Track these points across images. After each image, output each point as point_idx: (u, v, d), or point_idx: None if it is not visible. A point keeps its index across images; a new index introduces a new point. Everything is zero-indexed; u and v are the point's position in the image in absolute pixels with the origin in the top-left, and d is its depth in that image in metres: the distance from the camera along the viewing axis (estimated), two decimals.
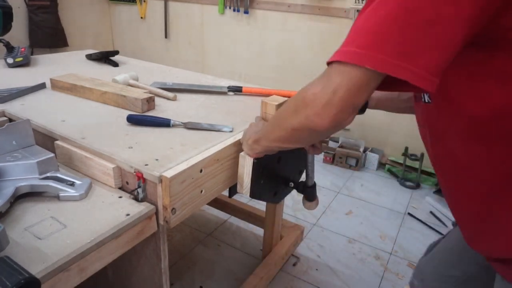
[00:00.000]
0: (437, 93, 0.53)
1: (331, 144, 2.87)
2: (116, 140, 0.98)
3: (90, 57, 1.88)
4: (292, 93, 1.37)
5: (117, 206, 0.82)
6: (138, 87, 1.35)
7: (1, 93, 1.24)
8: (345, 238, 1.98)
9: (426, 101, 0.67)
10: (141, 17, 3.56)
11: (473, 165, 0.65)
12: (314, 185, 1.10)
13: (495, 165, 0.62)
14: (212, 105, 1.31)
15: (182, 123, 1.08)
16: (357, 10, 2.46)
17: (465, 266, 0.93)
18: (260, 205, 1.99)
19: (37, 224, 0.74)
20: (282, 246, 1.71)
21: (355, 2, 2.43)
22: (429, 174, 2.57)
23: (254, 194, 0.98)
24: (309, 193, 1.10)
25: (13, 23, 1.63)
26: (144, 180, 0.85)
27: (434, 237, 2.03)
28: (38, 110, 1.17)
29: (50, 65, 1.74)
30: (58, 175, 0.87)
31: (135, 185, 0.87)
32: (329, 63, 0.56)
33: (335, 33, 2.64)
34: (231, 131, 1.07)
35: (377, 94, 0.99)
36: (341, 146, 2.82)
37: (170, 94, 1.30)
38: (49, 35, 3.10)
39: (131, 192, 0.89)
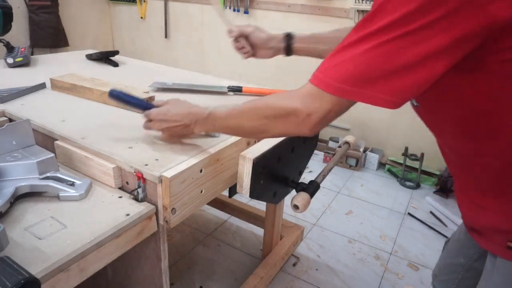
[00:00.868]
0: (420, 100, 0.69)
1: (331, 144, 2.87)
2: (116, 140, 0.98)
3: (90, 57, 1.88)
4: None
5: (117, 206, 0.82)
6: None
7: (1, 93, 1.24)
8: (345, 238, 1.98)
9: (415, 104, 0.78)
10: (141, 17, 3.56)
11: (467, 157, 0.74)
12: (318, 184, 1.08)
13: (485, 157, 0.69)
14: (212, 105, 1.30)
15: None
16: (357, 10, 2.46)
17: (467, 250, 0.97)
18: (260, 205, 1.99)
19: (37, 224, 0.74)
20: (282, 246, 1.71)
21: (355, 2, 2.43)
22: (429, 174, 2.57)
23: (253, 194, 0.98)
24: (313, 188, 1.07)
25: (13, 23, 1.63)
26: (144, 180, 0.85)
27: (434, 237, 2.03)
28: (38, 110, 1.17)
29: (50, 65, 1.74)
30: (58, 175, 0.87)
31: (135, 185, 0.87)
32: (314, 85, 0.66)
33: None
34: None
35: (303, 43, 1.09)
36: (340, 146, 2.81)
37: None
38: (49, 35, 3.10)
39: (131, 192, 0.89)
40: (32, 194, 0.83)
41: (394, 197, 2.43)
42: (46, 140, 1.04)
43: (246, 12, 2.95)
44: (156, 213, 0.86)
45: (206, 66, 3.36)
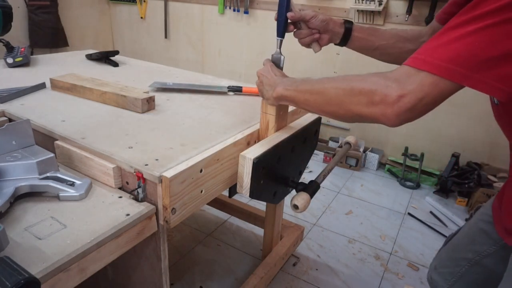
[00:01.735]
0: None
1: (331, 144, 2.87)
2: (116, 140, 0.98)
3: (90, 57, 1.88)
4: None
5: (117, 206, 0.82)
6: None
7: (1, 93, 1.24)
8: (345, 238, 1.98)
9: (496, 102, 0.73)
10: (141, 17, 3.56)
11: None
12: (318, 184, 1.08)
13: None
14: (212, 105, 1.31)
15: None
16: (357, 10, 2.46)
17: (478, 246, 0.97)
18: (260, 205, 1.99)
19: (37, 224, 0.74)
20: (282, 246, 1.71)
21: (355, 2, 2.43)
22: (429, 174, 2.57)
23: (253, 194, 0.98)
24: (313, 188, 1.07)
25: (13, 23, 1.62)
26: (144, 180, 0.85)
27: (434, 237, 2.03)
28: (38, 110, 1.17)
29: (50, 65, 1.74)
30: (58, 175, 0.87)
31: (135, 185, 0.87)
32: (413, 67, 0.59)
33: None
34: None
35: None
36: (341, 146, 2.82)
37: None
38: (49, 35, 3.10)
39: (131, 192, 0.89)
40: (32, 194, 0.83)
41: (394, 197, 2.43)
42: (46, 140, 1.04)
43: (246, 12, 2.95)
44: (156, 213, 0.86)
45: (206, 66, 3.36)
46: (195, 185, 0.90)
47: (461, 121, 2.40)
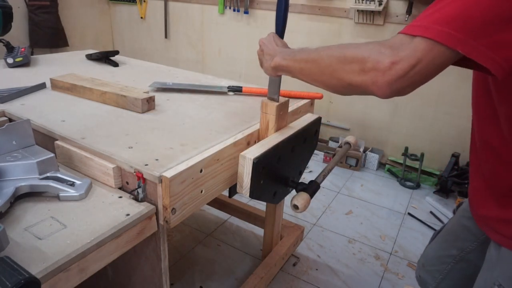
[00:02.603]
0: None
1: (331, 144, 2.87)
2: (116, 140, 0.98)
3: (90, 57, 1.88)
4: (292, 92, 1.37)
5: (117, 206, 0.82)
6: None
7: (1, 93, 1.24)
8: (345, 238, 1.98)
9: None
10: (141, 17, 3.56)
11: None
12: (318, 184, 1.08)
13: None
14: (212, 105, 1.31)
15: None
16: (357, 10, 2.46)
17: (461, 243, 0.99)
18: (260, 205, 1.99)
19: (37, 224, 0.74)
20: (282, 246, 1.71)
21: (355, 2, 2.43)
22: (429, 174, 2.57)
23: (253, 194, 0.98)
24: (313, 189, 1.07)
25: (13, 23, 1.63)
26: (144, 180, 0.85)
27: None
28: (38, 110, 1.17)
29: (50, 65, 1.74)
30: (58, 175, 0.87)
31: (135, 185, 0.87)
32: (407, 34, 0.57)
33: (335, 33, 2.64)
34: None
35: None
36: (341, 146, 2.81)
37: None
38: (49, 35, 3.10)
39: (131, 192, 0.89)
40: (32, 194, 0.83)
41: (394, 197, 2.43)
42: (46, 140, 1.04)
43: (246, 12, 2.95)
44: (156, 213, 0.86)
45: (206, 66, 3.36)
46: (195, 185, 0.90)
47: (461, 121, 2.40)
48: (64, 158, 0.98)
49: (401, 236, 2.03)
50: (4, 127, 0.86)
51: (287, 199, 1.14)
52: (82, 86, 1.28)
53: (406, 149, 2.56)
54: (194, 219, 2.06)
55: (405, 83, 0.57)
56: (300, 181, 1.16)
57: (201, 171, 0.90)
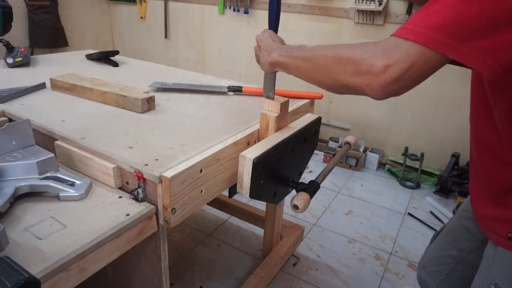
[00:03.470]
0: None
1: (331, 144, 2.87)
2: (116, 140, 0.98)
3: (90, 57, 1.88)
4: (292, 92, 1.37)
5: (117, 206, 0.82)
6: None
7: (1, 93, 1.24)
8: (345, 238, 1.98)
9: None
10: (141, 17, 3.56)
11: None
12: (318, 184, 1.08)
13: None
14: (212, 105, 1.31)
15: None
16: (357, 10, 2.46)
17: (461, 243, 0.99)
18: (260, 205, 1.99)
19: (37, 224, 0.74)
20: (282, 246, 1.71)
21: (355, 2, 2.43)
22: (429, 174, 2.57)
23: (253, 194, 0.98)
24: (313, 189, 1.07)
25: (13, 23, 1.62)
26: (144, 180, 0.85)
27: None
28: (38, 110, 1.17)
29: (50, 65, 1.74)
30: (58, 175, 0.87)
31: (135, 185, 0.87)
32: (400, 37, 0.58)
33: (335, 33, 2.64)
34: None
35: None
36: (341, 146, 2.82)
37: None
38: (49, 35, 3.10)
39: (131, 192, 0.89)
40: (32, 194, 0.83)
41: (394, 197, 2.43)
42: (46, 140, 1.04)
43: (246, 12, 2.95)
44: (156, 213, 0.86)
45: (206, 66, 3.36)
46: (195, 185, 0.90)
47: (461, 121, 2.40)
48: (64, 158, 0.98)
49: (401, 236, 2.03)
50: (4, 127, 0.86)
51: (287, 199, 1.14)
52: (82, 86, 1.28)
53: (406, 149, 2.56)
54: (194, 219, 2.06)
55: (398, 86, 0.58)
56: (300, 181, 1.16)
57: (201, 171, 0.90)
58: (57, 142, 0.99)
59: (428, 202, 2.36)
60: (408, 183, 2.56)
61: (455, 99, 2.37)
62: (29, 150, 0.90)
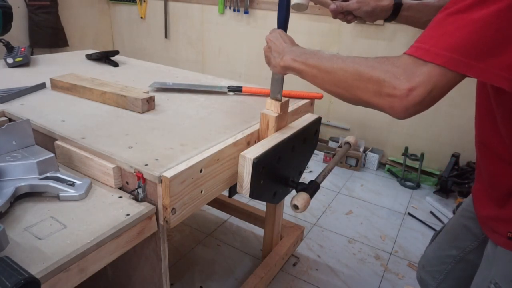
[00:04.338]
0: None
1: (331, 144, 2.87)
2: (116, 140, 0.98)
3: (90, 57, 1.88)
4: (292, 92, 1.37)
5: (117, 206, 0.82)
6: None
7: (1, 93, 1.24)
8: (345, 238, 1.98)
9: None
10: (141, 17, 3.56)
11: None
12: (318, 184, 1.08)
13: None
14: (212, 105, 1.31)
15: None
16: None
17: (461, 242, 0.99)
18: (260, 205, 1.99)
19: (37, 224, 0.74)
20: (282, 246, 1.71)
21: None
22: (429, 174, 2.57)
23: (253, 194, 0.98)
24: (313, 189, 1.07)
25: (13, 23, 1.62)
26: (144, 180, 0.85)
27: None
28: (38, 110, 1.17)
29: (50, 65, 1.74)
30: (58, 175, 0.87)
31: (135, 185, 0.87)
32: (418, 58, 0.58)
33: (335, 33, 2.64)
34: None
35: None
36: (341, 146, 2.81)
37: None
38: (49, 35, 3.10)
39: (131, 192, 0.89)
40: (32, 194, 0.83)
41: (394, 197, 2.43)
42: (46, 140, 1.04)
43: (246, 12, 2.95)
44: (156, 213, 0.86)
45: (206, 66, 3.36)
46: (195, 185, 0.90)
47: (461, 121, 2.40)
48: (64, 158, 0.98)
49: (401, 236, 2.03)
50: (4, 127, 0.86)
51: (287, 199, 1.14)
52: (82, 86, 1.28)
53: (406, 149, 2.56)
54: (194, 219, 2.06)
55: (421, 107, 0.59)
56: (300, 181, 1.16)
57: (201, 171, 0.90)
58: (57, 142, 0.99)
59: (428, 202, 2.36)
60: (408, 183, 2.56)
61: (455, 99, 2.37)
62: (29, 150, 0.90)
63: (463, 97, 2.33)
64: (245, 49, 3.07)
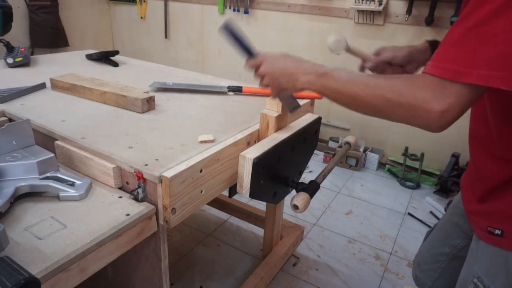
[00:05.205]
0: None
1: (331, 144, 2.87)
2: (116, 140, 0.98)
3: (90, 57, 1.88)
4: None
5: (117, 206, 0.82)
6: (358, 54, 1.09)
7: (1, 93, 1.24)
8: (345, 238, 1.98)
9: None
10: (141, 17, 3.56)
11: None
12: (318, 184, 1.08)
13: None
14: (212, 105, 1.31)
15: None
16: (357, 10, 2.46)
17: (452, 240, 1.00)
18: (260, 205, 1.99)
19: (37, 224, 0.74)
20: (282, 246, 1.71)
21: (355, 2, 2.43)
22: (429, 174, 2.57)
23: (253, 194, 0.98)
24: (313, 189, 1.07)
25: (13, 23, 1.63)
26: (144, 180, 0.85)
27: None
28: (38, 110, 1.17)
29: (50, 65, 1.74)
30: (58, 175, 0.87)
31: (135, 185, 0.87)
32: (444, 78, 0.59)
33: (335, 33, 2.64)
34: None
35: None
36: (341, 146, 2.81)
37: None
38: (49, 35, 3.10)
39: (131, 192, 0.89)
40: (32, 194, 0.83)
41: (394, 197, 2.43)
42: (46, 140, 1.04)
43: (246, 12, 2.95)
44: (156, 213, 0.86)
45: (206, 66, 3.36)
46: (195, 185, 0.90)
47: (461, 121, 2.38)
48: (64, 158, 0.98)
49: (401, 236, 2.03)
50: (4, 127, 0.86)
51: (287, 199, 1.14)
52: (82, 86, 1.28)
53: (406, 149, 2.56)
54: (194, 219, 2.06)
55: (454, 121, 0.62)
56: (300, 181, 1.16)
57: (201, 171, 0.90)
58: (57, 142, 0.99)
59: (428, 202, 2.36)
60: (408, 183, 2.56)
61: None
62: (29, 150, 0.90)
63: None
64: None
